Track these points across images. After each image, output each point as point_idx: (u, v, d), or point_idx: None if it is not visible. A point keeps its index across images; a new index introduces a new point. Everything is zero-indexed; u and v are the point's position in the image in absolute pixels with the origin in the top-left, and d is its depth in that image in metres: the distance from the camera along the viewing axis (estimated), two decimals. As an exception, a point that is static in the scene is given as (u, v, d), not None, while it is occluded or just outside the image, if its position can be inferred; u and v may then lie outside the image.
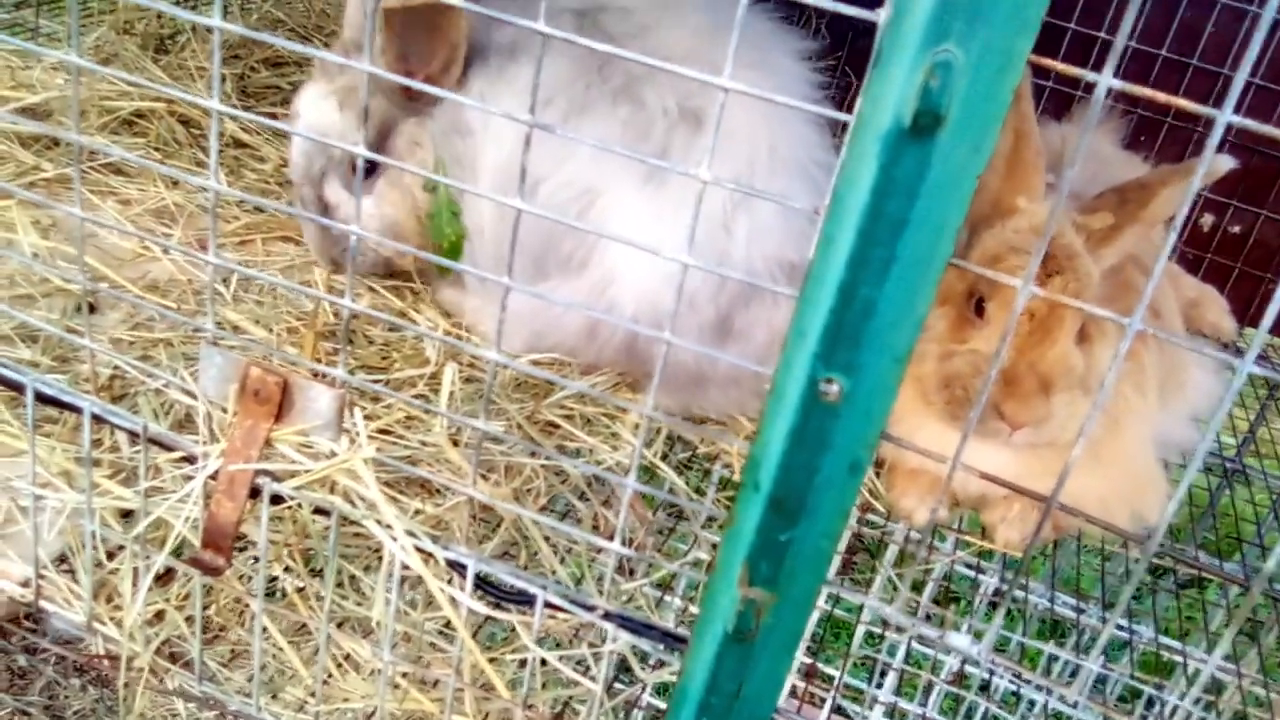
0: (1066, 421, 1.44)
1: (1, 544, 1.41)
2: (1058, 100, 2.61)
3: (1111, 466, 1.53)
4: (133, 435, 1.26)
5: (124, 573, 1.38)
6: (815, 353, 0.83)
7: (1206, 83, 2.56)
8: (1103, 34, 2.56)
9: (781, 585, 0.94)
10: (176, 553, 1.29)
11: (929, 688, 2.74)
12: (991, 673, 2.45)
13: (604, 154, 1.59)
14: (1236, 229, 2.66)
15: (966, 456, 0.93)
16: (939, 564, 1.89)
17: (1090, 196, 1.57)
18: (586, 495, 1.60)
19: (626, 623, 1.15)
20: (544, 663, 1.27)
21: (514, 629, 1.32)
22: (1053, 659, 2.73)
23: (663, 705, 1.63)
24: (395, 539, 1.18)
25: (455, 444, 1.44)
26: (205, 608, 1.47)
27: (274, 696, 1.54)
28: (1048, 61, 0.77)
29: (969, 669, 2.63)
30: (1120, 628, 2.19)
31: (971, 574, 2.51)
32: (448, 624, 1.34)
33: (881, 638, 2.47)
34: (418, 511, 1.33)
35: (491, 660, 1.28)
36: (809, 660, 1.87)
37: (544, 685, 1.47)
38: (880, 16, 0.72)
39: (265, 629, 1.33)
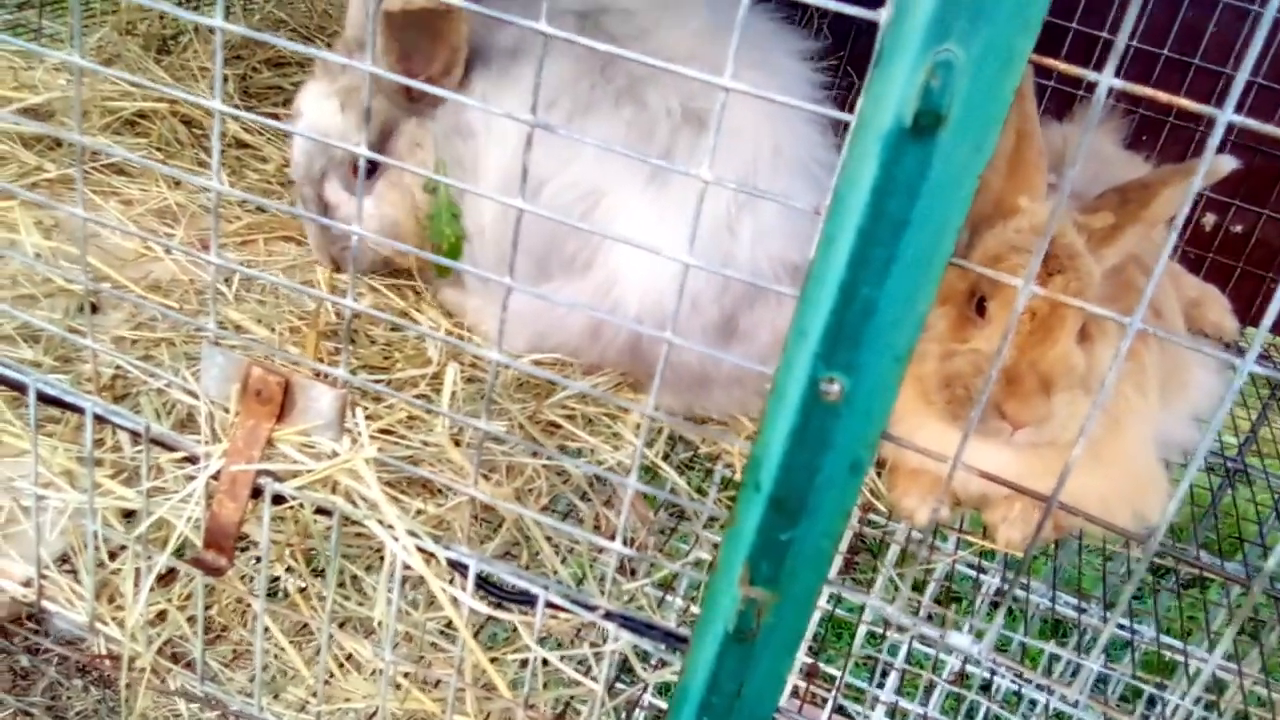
0: (1068, 421, 1.44)
1: (4, 544, 1.41)
2: (1060, 100, 2.61)
3: (1113, 466, 1.53)
4: (135, 435, 1.26)
5: (126, 573, 1.38)
6: (816, 352, 0.83)
7: (1209, 82, 2.56)
8: (1104, 33, 2.56)
9: (782, 585, 0.94)
10: (178, 553, 1.29)
11: (930, 688, 2.74)
12: (993, 672, 2.45)
13: (608, 155, 1.59)
14: (1238, 228, 2.66)
15: (968, 456, 0.93)
16: (940, 564, 1.89)
17: (1092, 196, 1.57)
18: (588, 495, 1.60)
19: (628, 623, 1.15)
20: (545, 663, 1.27)
21: (515, 629, 1.32)
22: (1054, 659, 2.72)
23: (664, 705, 1.63)
24: (397, 539, 1.18)
25: (457, 444, 1.44)
26: (207, 608, 1.48)
27: (276, 696, 1.54)
28: (1049, 61, 0.77)
29: (970, 669, 2.62)
30: (1122, 627, 2.19)
31: (973, 574, 2.51)
32: (449, 624, 1.34)
33: (883, 638, 2.47)
34: (419, 511, 1.33)
35: (493, 660, 1.28)
36: (810, 660, 1.87)
37: (545, 685, 1.47)
38: (881, 16, 0.72)
39: (267, 629, 1.33)
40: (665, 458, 1.66)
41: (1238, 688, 1.48)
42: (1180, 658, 1.75)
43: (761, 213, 1.66)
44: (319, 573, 1.35)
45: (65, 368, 1.50)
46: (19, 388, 1.27)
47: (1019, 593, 2.05)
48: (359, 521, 1.21)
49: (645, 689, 2.09)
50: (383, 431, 1.43)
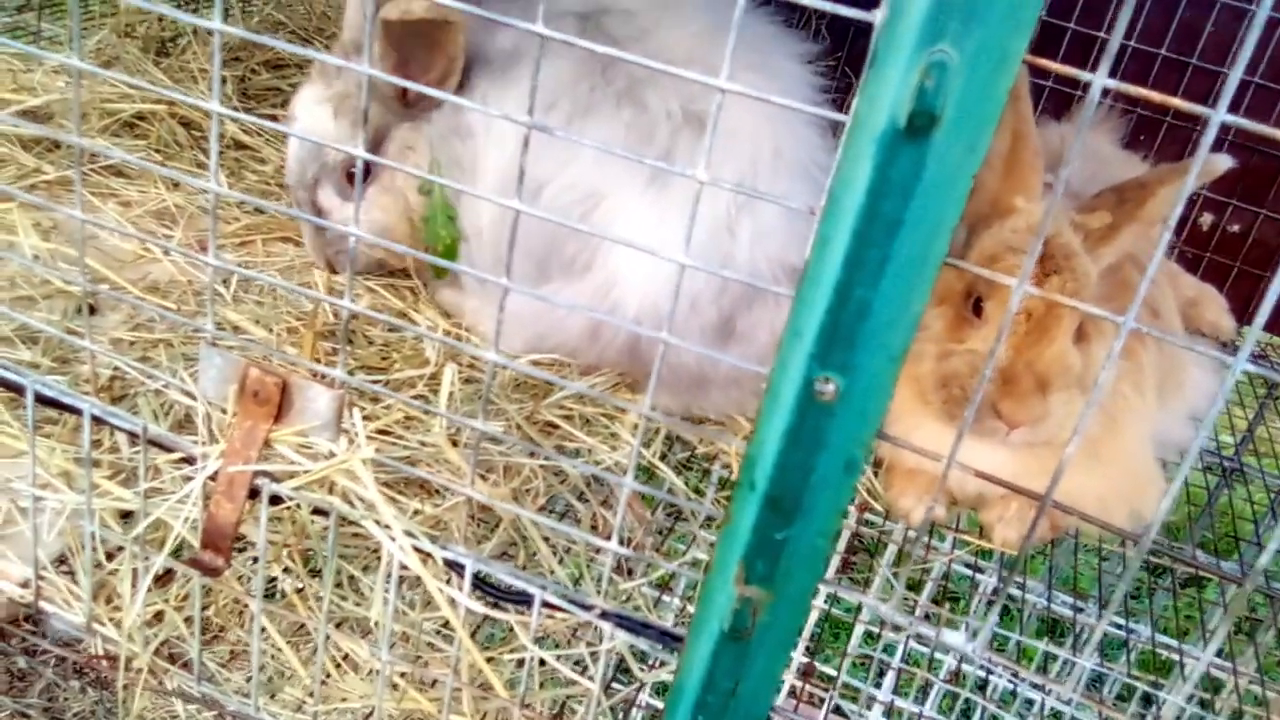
0: (1064, 420, 1.44)
1: (1, 545, 1.41)
2: (1057, 100, 2.61)
3: (1110, 465, 1.54)
4: (132, 436, 1.27)
5: (123, 573, 1.38)
6: (811, 352, 0.84)
7: (1206, 82, 2.56)
8: (1102, 33, 2.56)
9: (778, 584, 0.94)
10: (176, 553, 1.29)
11: (927, 687, 2.75)
12: (989, 671, 2.46)
13: (608, 157, 1.60)
14: (1236, 228, 2.66)
15: (964, 456, 0.94)
16: (937, 563, 1.89)
17: (1089, 196, 1.58)
18: (585, 495, 1.60)
19: (624, 622, 1.15)
20: (542, 662, 1.27)
21: (512, 629, 1.32)
22: (1051, 658, 2.73)
23: (661, 705, 1.63)
24: (394, 539, 1.19)
25: (454, 444, 1.44)
26: (204, 608, 1.48)
27: (273, 697, 1.54)
28: (1043, 62, 0.77)
29: (966, 668, 2.63)
30: (1119, 627, 2.20)
31: (970, 573, 2.52)
32: (446, 624, 1.35)
33: (879, 637, 2.47)
34: (416, 512, 1.33)
35: (489, 660, 1.28)
36: (807, 660, 1.88)
37: (542, 685, 1.47)
38: (876, 17, 0.73)
39: (264, 629, 1.33)
40: (663, 458, 1.66)
41: (1233, 687, 1.48)
42: (1176, 657, 1.76)
43: (760, 214, 1.67)
44: (316, 573, 1.35)
45: (63, 369, 1.50)
46: (17, 389, 1.27)
47: (1015, 592, 2.05)
48: (356, 522, 1.21)
49: (642, 689, 2.09)
50: (380, 432, 1.44)
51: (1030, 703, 2.79)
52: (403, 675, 1.39)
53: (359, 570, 1.40)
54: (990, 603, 2.75)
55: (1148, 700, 2.24)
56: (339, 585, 1.43)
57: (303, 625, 1.49)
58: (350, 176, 1.78)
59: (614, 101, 1.68)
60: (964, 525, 1.73)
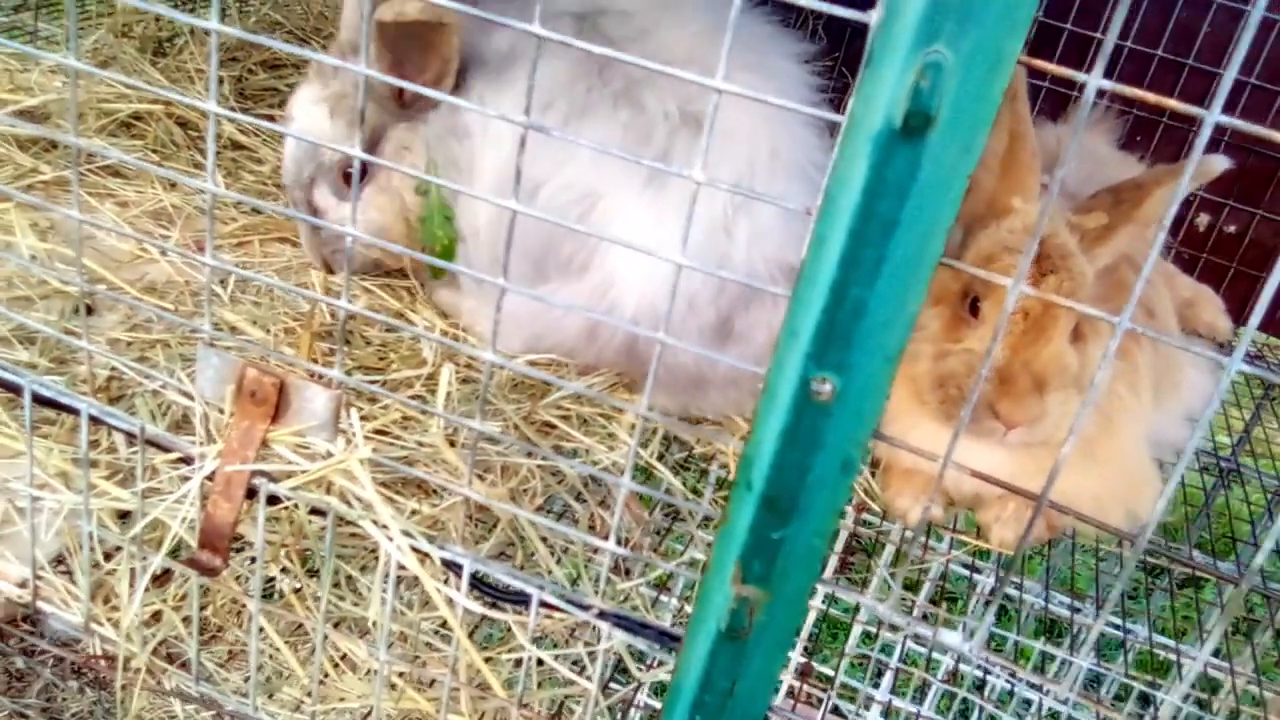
0: (1061, 421, 1.45)
1: (-1, 545, 1.42)
2: (1053, 101, 2.62)
3: (1106, 465, 1.54)
4: (130, 436, 1.27)
5: (121, 573, 1.38)
6: (807, 352, 0.84)
7: (1202, 83, 2.57)
8: (1098, 34, 2.56)
9: (774, 583, 0.94)
10: (174, 553, 1.29)
11: (925, 687, 2.75)
12: (986, 671, 2.46)
13: (605, 157, 1.60)
14: (1232, 229, 2.66)
15: (961, 456, 0.94)
16: (935, 563, 1.89)
17: (1085, 196, 1.58)
18: (583, 495, 1.60)
19: (622, 622, 1.15)
20: (540, 662, 1.27)
21: (510, 629, 1.32)
22: (1048, 658, 2.73)
23: (659, 705, 1.63)
24: (391, 539, 1.19)
25: (452, 444, 1.44)
26: (202, 608, 1.48)
27: (271, 696, 1.54)
28: (1038, 62, 0.77)
29: (964, 668, 2.63)
30: (1116, 627, 2.20)
31: (967, 573, 2.52)
32: (444, 624, 1.35)
33: (876, 637, 2.48)
34: (414, 512, 1.34)
35: (487, 660, 1.28)
36: (805, 659, 1.88)
37: (540, 685, 1.47)
38: (872, 18, 0.73)
39: (262, 629, 1.33)
40: (660, 458, 1.66)
41: (1230, 687, 1.49)
42: (1174, 657, 1.76)
43: (758, 215, 1.67)
44: (314, 573, 1.35)
45: (61, 369, 1.50)
46: (14, 389, 1.28)
47: (1012, 592, 2.06)
48: (354, 522, 1.21)
49: (640, 689, 2.10)
50: (377, 432, 1.44)
51: (1028, 703, 2.79)
52: (401, 675, 1.39)
53: (357, 570, 1.40)
54: (987, 603, 2.75)
55: (1145, 700, 2.25)
56: (337, 585, 1.43)
57: (301, 625, 1.49)
58: (347, 177, 1.78)
59: (611, 102, 1.68)
60: (961, 525, 1.74)
